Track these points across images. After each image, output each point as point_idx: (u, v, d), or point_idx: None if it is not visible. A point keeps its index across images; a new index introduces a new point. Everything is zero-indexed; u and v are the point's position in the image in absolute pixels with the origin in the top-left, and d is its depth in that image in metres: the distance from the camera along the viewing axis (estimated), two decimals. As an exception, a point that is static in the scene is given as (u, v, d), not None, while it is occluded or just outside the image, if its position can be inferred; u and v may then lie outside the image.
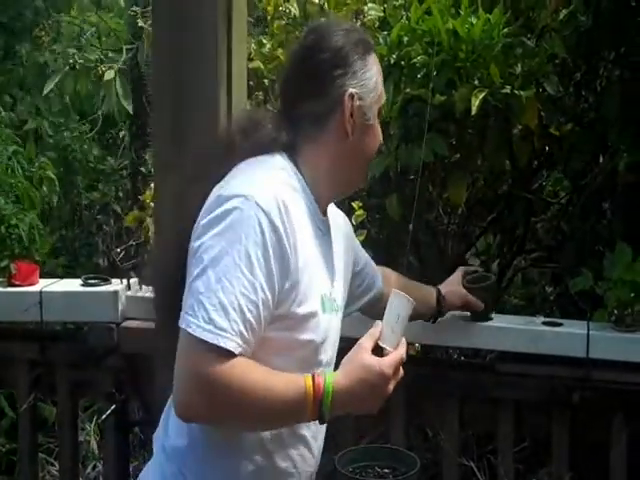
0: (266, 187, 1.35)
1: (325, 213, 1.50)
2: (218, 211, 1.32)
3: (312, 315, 1.38)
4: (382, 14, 2.62)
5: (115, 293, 2.31)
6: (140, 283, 2.36)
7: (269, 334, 1.34)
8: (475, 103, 2.23)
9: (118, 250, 2.41)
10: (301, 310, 1.36)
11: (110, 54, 3.78)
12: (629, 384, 2.05)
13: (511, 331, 2.14)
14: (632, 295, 2.11)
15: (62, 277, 2.62)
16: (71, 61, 3.60)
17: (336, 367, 1.41)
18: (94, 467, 3.14)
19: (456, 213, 2.89)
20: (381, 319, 1.44)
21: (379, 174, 2.47)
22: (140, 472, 1.56)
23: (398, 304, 1.39)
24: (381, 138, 1.53)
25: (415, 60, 2.39)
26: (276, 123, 1.46)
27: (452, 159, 2.55)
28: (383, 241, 2.77)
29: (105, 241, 3.61)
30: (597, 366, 2.06)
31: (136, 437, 2.84)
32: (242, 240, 1.29)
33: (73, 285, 2.41)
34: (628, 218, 2.60)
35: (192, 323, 1.27)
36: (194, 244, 1.34)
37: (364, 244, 2.33)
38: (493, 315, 2.18)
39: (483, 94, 2.25)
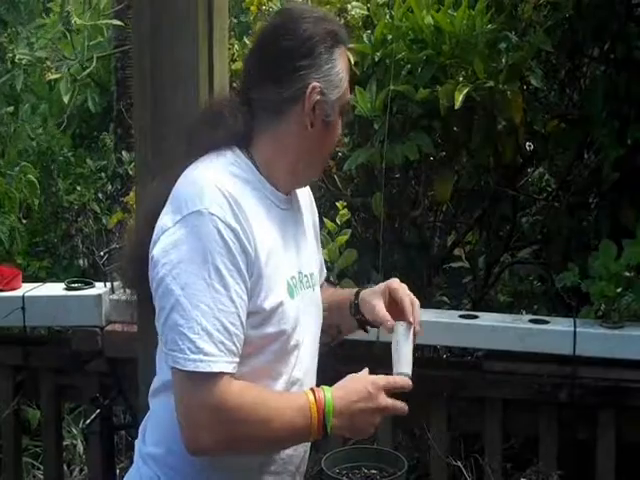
0: (212, 189, 1.31)
1: (288, 192, 1.46)
2: (176, 235, 1.29)
3: (279, 305, 1.37)
4: (366, 12, 2.60)
5: (98, 297, 2.28)
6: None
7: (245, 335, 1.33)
8: (458, 98, 2.22)
9: (102, 254, 2.38)
10: (266, 304, 1.35)
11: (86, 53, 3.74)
12: (616, 381, 2.05)
13: (498, 329, 2.13)
14: (617, 290, 2.11)
15: (44, 280, 2.59)
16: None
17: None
18: (81, 470, 3.11)
19: (441, 210, 2.89)
20: None
21: (361, 168, 2.47)
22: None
23: (394, 332, 1.45)
24: (339, 133, 1.48)
25: (399, 57, 2.38)
26: (233, 110, 1.41)
27: (437, 156, 2.54)
28: (369, 240, 2.76)
29: (85, 242, 3.61)
30: (584, 363, 2.06)
31: (122, 440, 2.82)
32: (208, 258, 1.27)
33: (56, 289, 2.38)
34: (614, 214, 2.60)
35: (180, 359, 1.25)
36: (156, 273, 1.30)
37: (349, 243, 2.32)
38: (480, 314, 2.17)
39: (467, 89, 2.24)
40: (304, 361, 1.46)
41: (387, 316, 1.48)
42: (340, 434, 1.37)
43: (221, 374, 1.25)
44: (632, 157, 2.46)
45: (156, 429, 1.42)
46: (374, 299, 1.52)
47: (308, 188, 1.61)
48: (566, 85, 2.77)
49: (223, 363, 1.26)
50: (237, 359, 1.29)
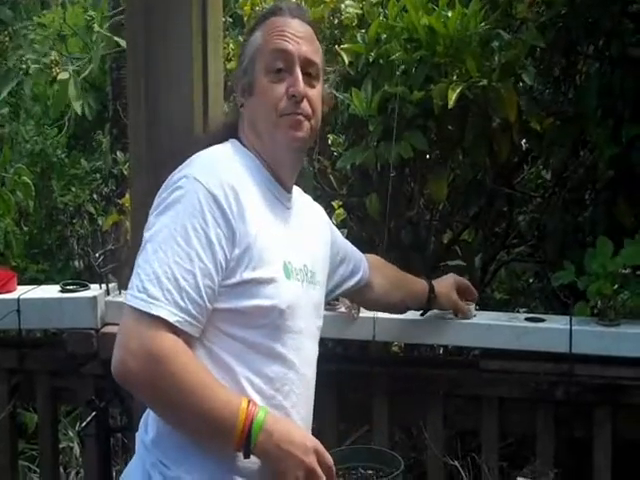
0: (210, 167, 1.40)
1: (289, 190, 1.54)
2: (163, 194, 1.39)
3: (271, 280, 1.40)
4: (360, 12, 2.60)
5: (94, 299, 2.27)
6: (119, 287, 2.33)
7: (229, 305, 1.37)
8: (452, 97, 2.22)
9: (97, 255, 2.37)
10: (256, 274, 1.38)
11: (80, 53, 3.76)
12: (612, 378, 2.05)
13: (494, 328, 2.13)
14: (614, 288, 2.11)
15: (40, 282, 2.58)
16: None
17: None
18: (77, 473, 3.11)
19: (438, 209, 2.88)
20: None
21: (358, 168, 2.47)
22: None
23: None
24: (272, 92, 1.48)
25: (393, 57, 2.37)
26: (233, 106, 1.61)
27: (432, 155, 2.54)
28: (365, 239, 2.75)
29: (80, 244, 3.61)
30: (580, 361, 2.06)
31: (118, 442, 2.81)
32: (180, 214, 1.34)
33: (51, 291, 2.36)
34: (610, 211, 2.60)
35: (129, 294, 1.33)
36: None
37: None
38: (476, 312, 2.17)
39: (460, 88, 2.24)
40: (304, 348, 1.48)
41: (465, 306, 2.06)
42: (264, 461, 1.35)
43: (160, 319, 1.29)
44: (627, 155, 2.46)
45: (156, 418, 1.43)
46: (452, 294, 2.03)
47: (326, 216, 1.74)
48: (561, 82, 2.76)
49: (164, 310, 1.29)
50: (186, 317, 1.31)
